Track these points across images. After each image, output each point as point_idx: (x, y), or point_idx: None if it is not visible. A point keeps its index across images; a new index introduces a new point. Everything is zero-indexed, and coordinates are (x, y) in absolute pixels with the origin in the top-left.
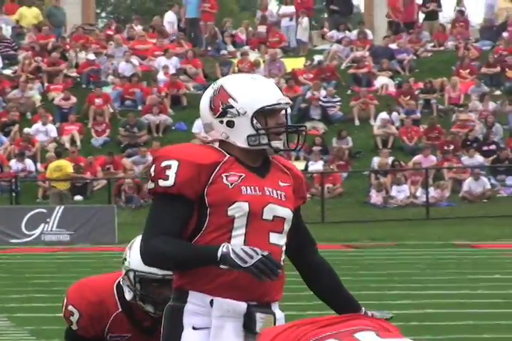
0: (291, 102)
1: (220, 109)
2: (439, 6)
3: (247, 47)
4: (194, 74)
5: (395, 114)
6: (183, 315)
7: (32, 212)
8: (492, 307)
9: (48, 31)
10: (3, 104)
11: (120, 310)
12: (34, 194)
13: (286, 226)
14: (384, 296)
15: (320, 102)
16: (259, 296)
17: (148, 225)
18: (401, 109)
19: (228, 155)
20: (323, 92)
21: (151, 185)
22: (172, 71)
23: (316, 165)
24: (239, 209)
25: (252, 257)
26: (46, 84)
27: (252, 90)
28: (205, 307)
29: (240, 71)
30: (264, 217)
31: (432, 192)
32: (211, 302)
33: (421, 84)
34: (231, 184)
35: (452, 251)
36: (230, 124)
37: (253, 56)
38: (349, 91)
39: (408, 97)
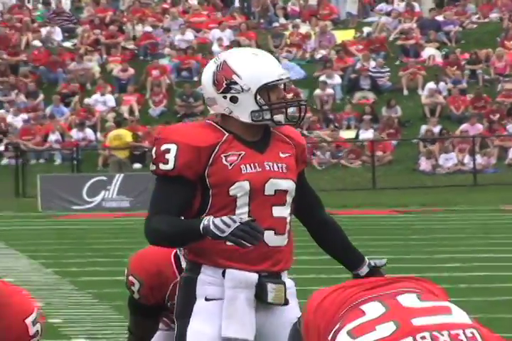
0: (290, 76)
1: (224, 85)
2: None
3: (298, 20)
4: (247, 45)
5: (442, 84)
6: (196, 285)
7: (93, 180)
8: None
9: (105, 5)
10: (63, 75)
11: (178, 278)
12: (94, 162)
13: (289, 198)
14: (434, 260)
15: (369, 73)
16: (269, 267)
17: (150, 205)
18: (448, 79)
19: (227, 134)
20: (372, 63)
21: (152, 167)
22: (226, 43)
23: (367, 134)
24: (240, 189)
25: (229, 226)
26: (105, 56)
27: (255, 66)
28: (218, 278)
29: (291, 43)
30: (266, 193)
31: (479, 159)
32: (223, 273)
33: (467, 55)
34: (230, 164)
35: (499, 215)
36: (234, 100)
37: (304, 28)
38: (397, 62)
39: (455, 68)
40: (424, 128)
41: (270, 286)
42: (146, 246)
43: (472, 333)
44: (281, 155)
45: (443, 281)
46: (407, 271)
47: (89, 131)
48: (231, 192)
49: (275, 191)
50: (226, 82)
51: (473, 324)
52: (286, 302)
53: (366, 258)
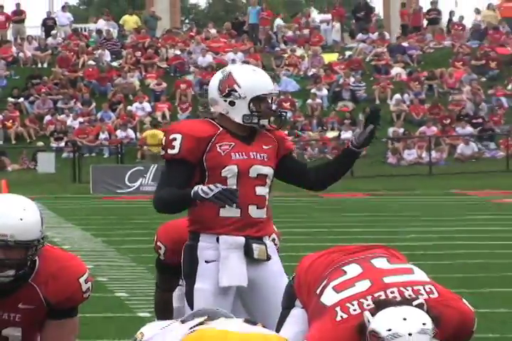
0: (275, 92)
1: (226, 91)
2: (439, 14)
3: (294, 46)
4: (255, 65)
5: (406, 95)
6: (197, 250)
7: (133, 169)
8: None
9: (144, 33)
10: (111, 88)
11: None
12: (134, 155)
13: (269, 181)
14: (398, 232)
15: (349, 86)
16: (253, 233)
17: (158, 182)
18: (410, 91)
19: (221, 129)
20: (352, 79)
21: (162, 152)
22: (238, 63)
23: (347, 134)
24: (230, 172)
25: (212, 190)
26: (144, 73)
27: (253, 80)
28: (213, 243)
29: (289, 63)
30: (250, 175)
31: (434, 154)
32: (217, 239)
33: (426, 73)
34: (223, 152)
35: (450, 198)
36: (232, 104)
37: (299, 52)
38: (371, 78)
39: (416, 83)
40: (391, 129)
41: (255, 246)
42: (169, 220)
43: (430, 288)
44: (264, 147)
45: (403, 248)
46: (377, 240)
47: (130, 132)
48: (223, 174)
49: (257, 174)
50: (228, 89)
51: (430, 281)
52: (268, 258)
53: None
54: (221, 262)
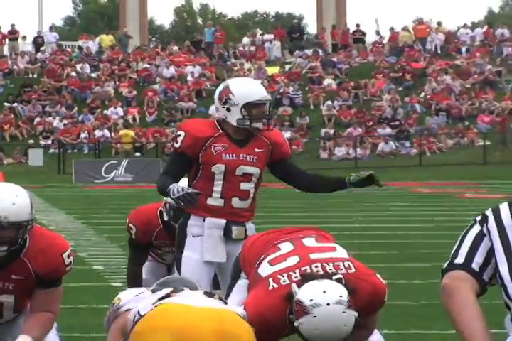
0: (270, 98)
1: (224, 99)
2: (363, 34)
3: (243, 60)
4: (210, 77)
5: (335, 102)
6: (187, 227)
7: (108, 163)
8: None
9: (118, 49)
10: (90, 95)
11: (161, 226)
12: (109, 151)
13: (254, 178)
14: (332, 216)
15: (289, 94)
16: (235, 218)
17: (164, 168)
18: (339, 98)
19: (221, 131)
20: (291, 88)
21: (170, 144)
22: (196, 75)
23: (286, 134)
24: (218, 169)
25: (179, 192)
26: (117, 83)
27: (244, 89)
28: (200, 223)
29: (238, 75)
30: (236, 173)
31: (359, 151)
32: (204, 219)
33: (352, 83)
34: (215, 152)
35: (374, 188)
36: (228, 110)
37: (247, 66)
38: (307, 88)
39: (344, 91)
40: (323, 130)
41: (234, 227)
42: (140, 205)
43: (348, 264)
44: (257, 150)
45: (330, 229)
46: (311, 222)
47: (106, 131)
48: (212, 170)
49: (243, 173)
50: (225, 98)
51: (349, 258)
52: (246, 237)
53: (346, 179)
54: (205, 239)
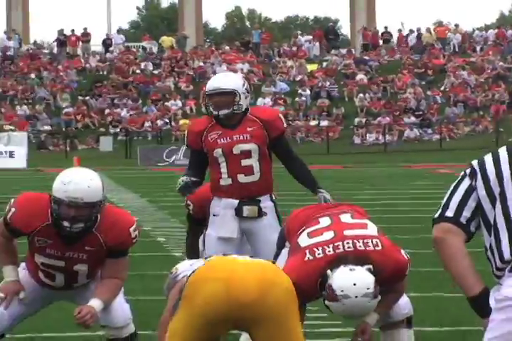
0: (227, 88)
1: None
2: (391, 35)
3: (286, 58)
4: (257, 72)
5: (367, 94)
6: (210, 207)
7: (169, 148)
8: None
9: (177, 49)
10: (153, 89)
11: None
12: (170, 138)
13: (254, 154)
14: (359, 193)
15: (326, 88)
16: (248, 196)
17: None
18: (370, 91)
19: (213, 122)
20: (327, 83)
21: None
22: (245, 71)
23: (324, 122)
24: (217, 153)
25: (179, 184)
26: (177, 79)
27: (208, 82)
28: (218, 202)
29: (282, 71)
30: (234, 153)
31: (387, 137)
32: (220, 199)
33: (381, 78)
34: (211, 139)
35: (400, 169)
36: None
37: (289, 63)
38: (342, 82)
39: (374, 85)
40: (357, 119)
41: (245, 207)
42: None
43: (376, 241)
44: (248, 129)
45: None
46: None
47: (167, 121)
48: (214, 155)
49: (241, 151)
50: None
51: (378, 235)
52: (260, 215)
53: (320, 190)
54: (219, 218)
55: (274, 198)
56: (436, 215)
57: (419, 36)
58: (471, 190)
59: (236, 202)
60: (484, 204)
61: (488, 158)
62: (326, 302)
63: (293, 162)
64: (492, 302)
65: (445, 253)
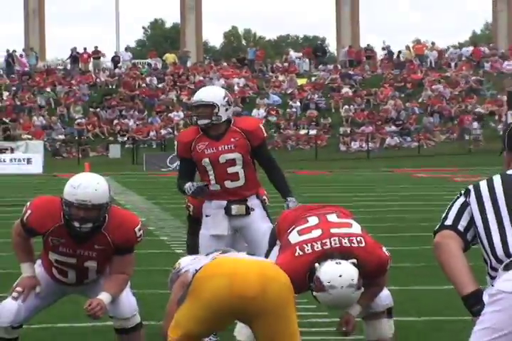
0: (210, 100)
1: None
2: (373, 52)
3: (278, 73)
4: (252, 86)
5: (351, 106)
6: (202, 209)
7: (172, 155)
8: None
9: (179, 65)
10: (157, 101)
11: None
12: (173, 146)
13: (239, 161)
14: (347, 196)
15: (314, 100)
16: (235, 197)
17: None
18: (355, 103)
19: (201, 133)
20: (315, 96)
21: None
22: (241, 85)
23: (313, 131)
24: (204, 162)
25: (191, 189)
26: (179, 92)
27: (195, 94)
28: (209, 204)
29: (274, 85)
30: (220, 162)
31: (370, 144)
32: (211, 202)
33: (365, 92)
34: (199, 150)
35: (382, 173)
36: None
37: (281, 77)
38: (328, 95)
39: (358, 98)
40: (342, 129)
41: (233, 206)
42: None
43: (360, 239)
44: (232, 139)
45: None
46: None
47: (170, 130)
48: (202, 164)
49: (226, 160)
50: None
51: (362, 233)
52: (248, 212)
53: (288, 198)
54: (211, 218)
55: (263, 197)
56: (437, 227)
57: (397, 54)
58: (465, 205)
59: (225, 202)
60: (475, 215)
61: (483, 182)
62: (314, 293)
63: (272, 170)
64: (486, 298)
65: (443, 255)
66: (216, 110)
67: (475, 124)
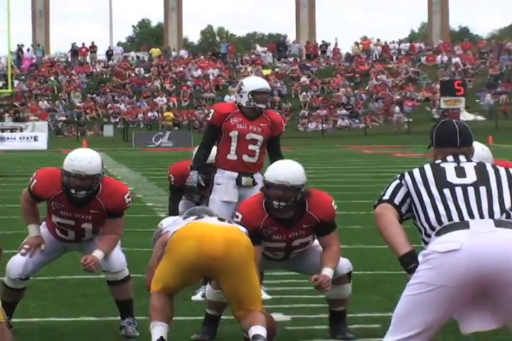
0: (269, 89)
1: (238, 89)
2: (327, 47)
3: (247, 65)
4: (225, 76)
5: (309, 92)
6: (215, 178)
7: (156, 134)
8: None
9: (163, 58)
10: (144, 88)
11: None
12: (157, 126)
13: (259, 143)
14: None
15: (277, 88)
16: (246, 170)
17: (202, 139)
18: (312, 90)
19: (237, 109)
20: (278, 84)
21: (198, 122)
22: (216, 75)
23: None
24: (233, 134)
25: (190, 182)
26: (163, 80)
27: (250, 82)
28: (221, 174)
29: (243, 75)
30: (246, 138)
31: (325, 125)
32: (223, 172)
33: (320, 80)
34: (232, 123)
35: (335, 150)
36: (241, 96)
37: (249, 69)
38: (289, 83)
39: (315, 86)
40: (301, 112)
41: (243, 178)
42: (177, 162)
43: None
44: (262, 124)
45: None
46: None
47: (155, 113)
48: (229, 135)
49: (251, 138)
50: (238, 88)
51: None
52: (254, 184)
53: None
54: (222, 186)
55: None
56: (377, 201)
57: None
58: (401, 185)
59: (236, 174)
60: (412, 192)
61: (416, 169)
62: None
63: (277, 156)
64: (420, 258)
65: (382, 223)
66: (270, 97)
67: (397, 109)
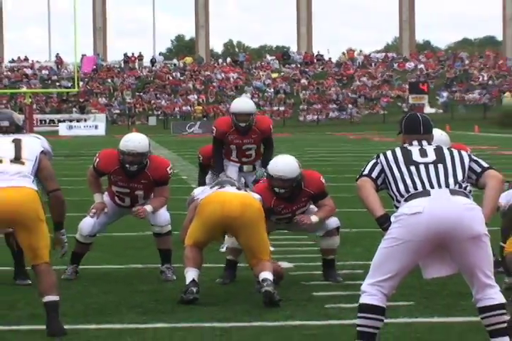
0: (249, 111)
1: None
2: (322, 56)
3: (260, 70)
4: (242, 79)
5: (308, 91)
6: (224, 161)
7: (190, 123)
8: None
9: (195, 64)
10: (180, 88)
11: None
12: (190, 117)
13: (253, 149)
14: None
15: (283, 88)
16: (247, 164)
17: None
18: (309, 90)
19: (233, 128)
20: (284, 84)
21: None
22: (235, 77)
23: (281, 108)
24: (232, 147)
25: (217, 176)
26: (194, 82)
27: (233, 105)
28: (228, 162)
29: (258, 78)
30: (243, 148)
31: (319, 117)
32: (229, 162)
33: (316, 82)
34: (231, 139)
35: (327, 136)
36: (230, 114)
37: (261, 73)
38: (292, 84)
39: (312, 86)
40: (301, 106)
41: (244, 166)
42: (206, 145)
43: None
44: (253, 136)
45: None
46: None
47: (189, 107)
48: (230, 147)
49: (246, 148)
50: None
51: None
52: (254, 169)
53: (262, 169)
54: (228, 170)
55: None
56: (358, 176)
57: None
58: (376, 163)
59: (238, 164)
60: (385, 168)
61: (388, 151)
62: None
63: (268, 150)
64: (392, 219)
65: (362, 193)
66: (252, 117)
67: (350, 106)
